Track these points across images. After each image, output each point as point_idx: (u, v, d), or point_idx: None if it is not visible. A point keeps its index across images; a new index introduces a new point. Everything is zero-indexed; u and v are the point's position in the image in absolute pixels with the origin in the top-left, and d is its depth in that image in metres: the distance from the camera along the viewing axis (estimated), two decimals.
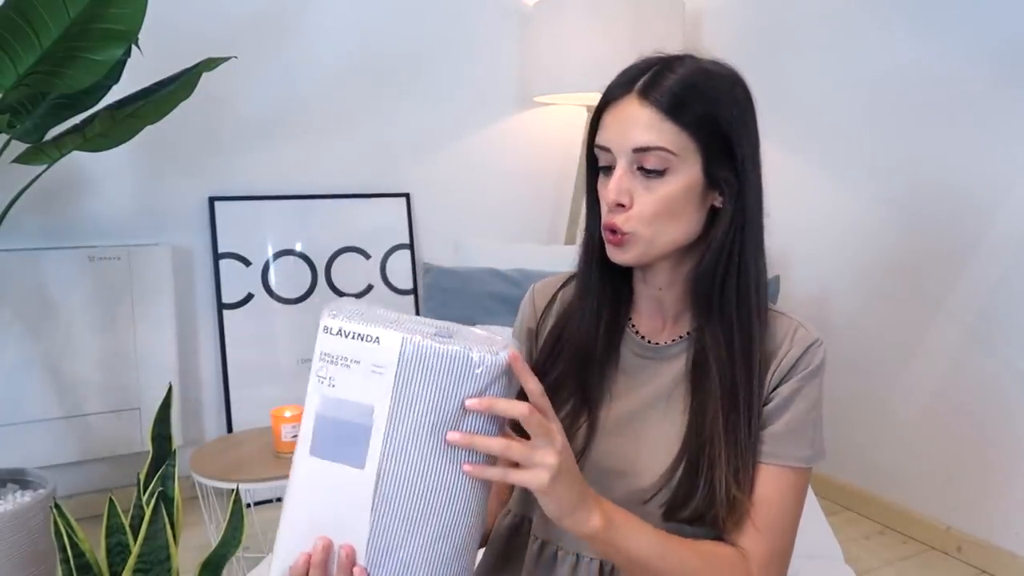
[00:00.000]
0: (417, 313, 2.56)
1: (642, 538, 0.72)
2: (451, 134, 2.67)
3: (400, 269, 2.57)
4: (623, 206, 0.78)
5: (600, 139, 0.81)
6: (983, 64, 1.89)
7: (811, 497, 1.58)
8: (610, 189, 0.78)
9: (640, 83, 0.77)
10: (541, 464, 0.64)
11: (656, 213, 0.77)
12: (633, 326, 0.90)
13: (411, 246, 2.59)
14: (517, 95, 2.74)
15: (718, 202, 0.80)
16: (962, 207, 1.96)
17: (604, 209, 0.81)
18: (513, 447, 0.64)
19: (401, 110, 2.56)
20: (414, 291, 2.58)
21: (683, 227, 0.80)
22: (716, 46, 2.65)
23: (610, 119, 0.79)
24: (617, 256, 0.81)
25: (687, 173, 0.77)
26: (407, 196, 2.61)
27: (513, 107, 2.75)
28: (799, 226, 2.40)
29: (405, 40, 2.53)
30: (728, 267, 0.80)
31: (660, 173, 0.77)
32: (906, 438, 2.15)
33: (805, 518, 1.44)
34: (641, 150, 0.76)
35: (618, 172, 0.78)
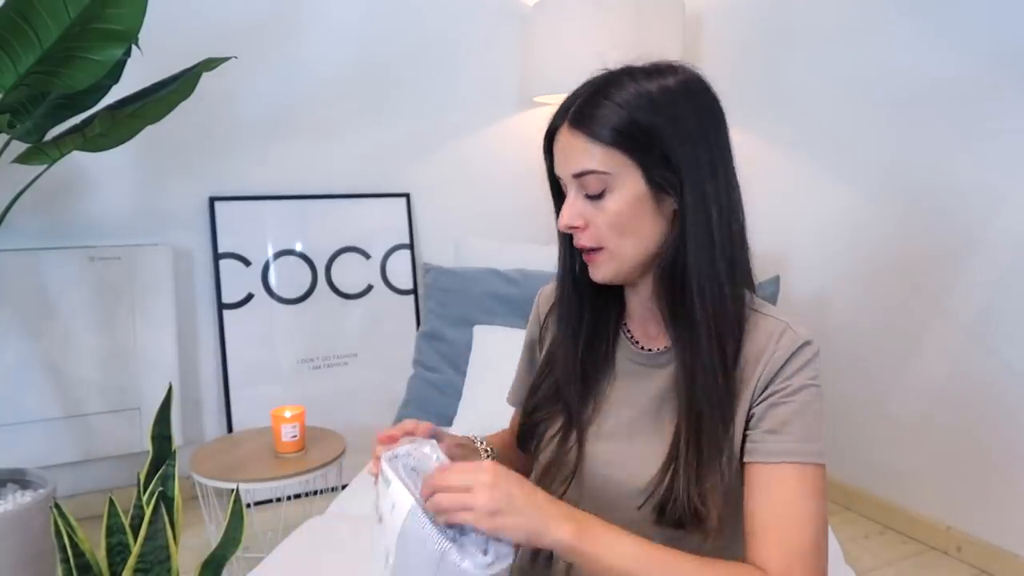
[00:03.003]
0: (417, 312, 2.56)
1: (623, 547, 0.69)
2: (451, 134, 2.67)
3: (400, 269, 2.57)
4: (578, 227, 0.81)
5: (555, 169, 0.83)
6: (983, 65, 1.90)
7: None
8: (562, 215, 0.81)
9: (571, 112, 0.79)
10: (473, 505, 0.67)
11: (611, 229, 0.79)
12: (628, 332, 0.90)
13: (411, 246, 2.59)
14: (517, 95, 2.74)
15: (676, 205, 0.79)
16: (962, 207, 1.96)
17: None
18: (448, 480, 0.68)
19: (401, 110, 2.56)
20: (414, 291, 2.58)
21: (645, 237, 0.80)
22: (716, 47, 2.65)
23: (556, 149, 0.82)
24: (595, 275, 0.83)
25: (628, 187, 0.78)
26: (407, 196, 2.61)
27: (513, 107, 2.75)
28: (799, 226, 2.40)
29: (405, 40, 2.53)
30: (683, 270, 0.79)
31: (601, 195, 0.79)
32: (906, 438, 2.15)
33: None
34: (579, 175, 0.79)
35: (569, 198, 0.81)
